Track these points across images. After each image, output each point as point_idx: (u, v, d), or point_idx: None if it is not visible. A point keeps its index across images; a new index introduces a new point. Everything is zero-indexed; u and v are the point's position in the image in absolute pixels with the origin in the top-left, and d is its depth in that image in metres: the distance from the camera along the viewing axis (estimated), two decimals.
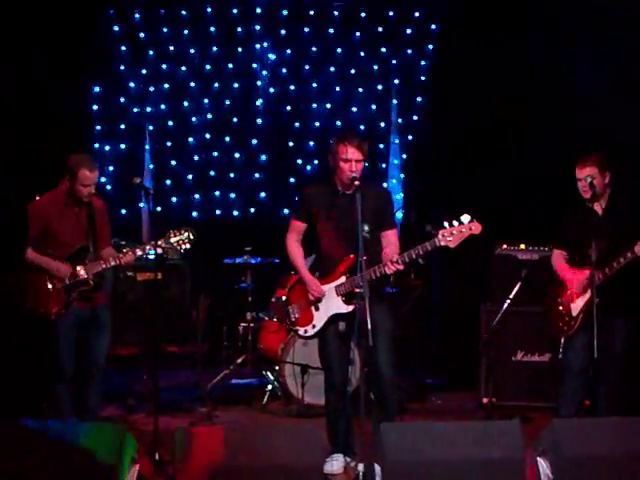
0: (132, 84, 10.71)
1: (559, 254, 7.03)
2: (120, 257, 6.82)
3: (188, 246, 6.78)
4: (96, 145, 10.58)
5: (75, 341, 6.94)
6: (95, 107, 10.65)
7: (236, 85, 10.81)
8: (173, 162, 10.79)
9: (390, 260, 6.16)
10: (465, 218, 6.01)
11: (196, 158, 10.79)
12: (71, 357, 6.93)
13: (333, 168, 6.42)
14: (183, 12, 10.74)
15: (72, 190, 6.85)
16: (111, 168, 10.66)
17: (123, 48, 10.66)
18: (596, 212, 6.76)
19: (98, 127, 10.66)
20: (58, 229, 6.88)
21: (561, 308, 6.90)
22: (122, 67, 10.67)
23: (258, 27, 10.77)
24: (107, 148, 10.65)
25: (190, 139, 10.80)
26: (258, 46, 10.79)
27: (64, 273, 6.82)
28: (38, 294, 6.80)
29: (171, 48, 10.75)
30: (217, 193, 10.79)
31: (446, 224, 6.03)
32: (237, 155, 10.80)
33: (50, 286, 6.80)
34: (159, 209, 10.50)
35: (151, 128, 10.71)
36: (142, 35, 10.69)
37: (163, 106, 10.76)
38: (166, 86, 10.76)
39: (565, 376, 6.88)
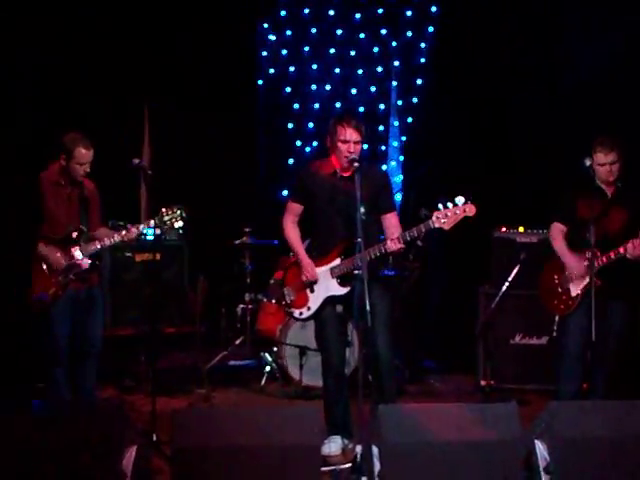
0: None
1: (559, 230, 7.00)
2: (123, 234, 6.81)
3: (181, 223, 6.77)
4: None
5: (70, 322, 6.93)
6: None
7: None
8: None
9: (390, 238, 6.18)
10: (459, 200, 6.02)
11: None
12: (66, 338, 6.93)
13: (331, 149, 6.41)
14: None
15: (67, 169, 6.82)
16: None
17: None
18: (606, 193, 6.78)
19: None
20: (52, 208, 6.87)
21: (559, 286, 6.90)
22: None
23: (258, 8, 10.73)
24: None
25: None
26: (258, 27, 10.77)
27: (58, 266, 6.81)
28: (34, 276, 6.79)
29: None
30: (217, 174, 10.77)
31: (440, 206, 6.04)
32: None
33: (45, 267, 6.79)
34: (158, 190, 10.45)
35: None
36: None
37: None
38: None
39: (564, 359, 6.88)
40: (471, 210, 6.04)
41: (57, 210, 6.87)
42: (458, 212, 6.02)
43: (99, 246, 6.86)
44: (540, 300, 7.13)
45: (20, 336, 7.74)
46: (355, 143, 6.28)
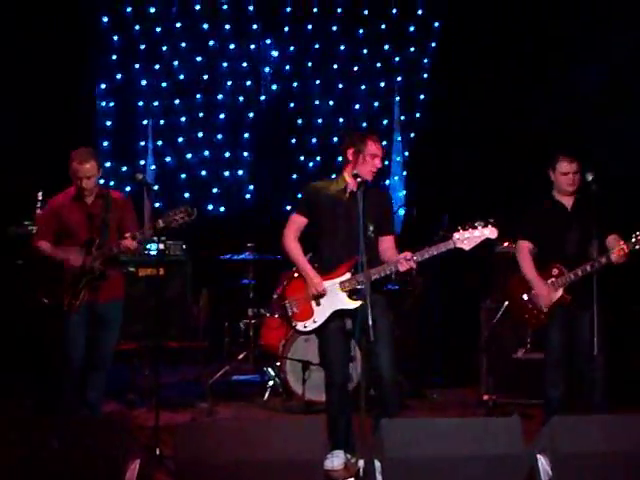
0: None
1: (527, 248, 7.09)
2: (119, 242, 6.80)
3: (187, 219, 6.63)
4: (99, 141, 10.60)
5: (84, 335, 6.93)
6: (102, 104, 10.68)
7: (239, 82, 10.82)
8: (177, 158, 10.80)
9: (404, 258, 6.17)
10: (481, 222, 6.05)
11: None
12: (79, 350, 6.94)
13: (353, 162, 6.40)
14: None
15: (75, 184, 6.91)
16: (114, 164, 10.68)
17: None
18: (566, 207, 6.98)
19: (103, 123, 10.68)
20: (69, 222, 6.94)
21: (528, 302, 7.02)
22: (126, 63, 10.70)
23: (261, 24, 10.80)
24: (110, 144, 10.68)
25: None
26: (261, 43, 10.82)
27: (74, 261, 6.83)
28: (52, 285, 6.83)
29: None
30: (220, 189, 10.81)
31: (460, 228, 6.07)
32: (241, 152, 10.82)
33: (63, 277, 6.83)
34: (162, 205, 10.51)
35: (155, 124, 10.72)
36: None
37: (168, 103, 10.76)
38: (169, 83, 10.78)
39: (546, 371, 6.99)
40: (493, 233, 6.08)
41: (73, 223, 6.93)
42: (478, 234, 6.06)
43: (108, 254, 6.85)
44: (511, 313, 7.36)
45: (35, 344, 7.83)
46: (381, 158, 6.45)
